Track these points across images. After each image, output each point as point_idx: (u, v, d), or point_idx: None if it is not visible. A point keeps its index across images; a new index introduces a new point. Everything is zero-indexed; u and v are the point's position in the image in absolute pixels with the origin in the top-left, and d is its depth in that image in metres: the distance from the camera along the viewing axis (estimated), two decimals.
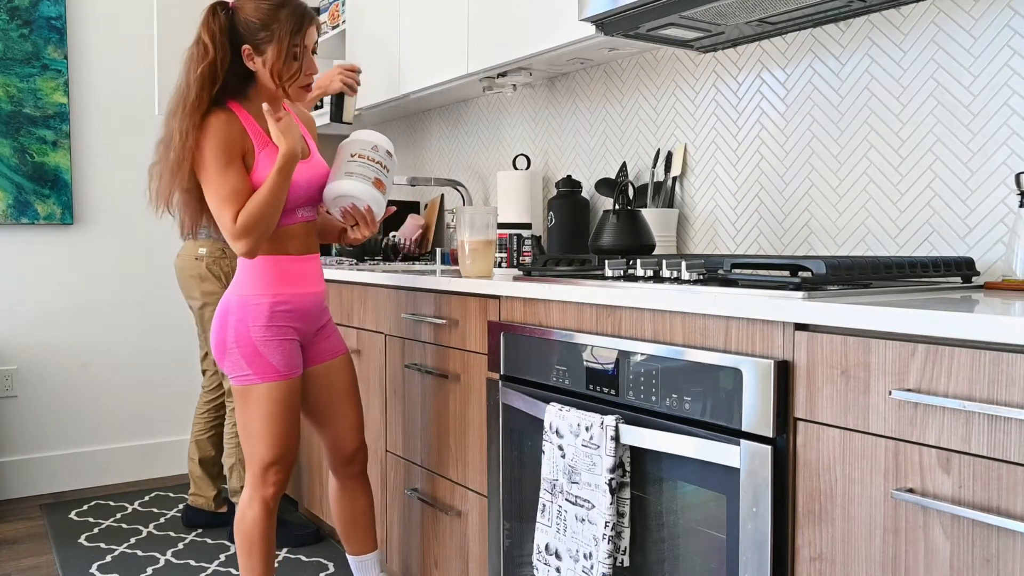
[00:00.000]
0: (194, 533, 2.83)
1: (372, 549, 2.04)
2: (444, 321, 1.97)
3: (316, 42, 1.79)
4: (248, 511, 1.83)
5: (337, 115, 2.65)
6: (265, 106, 1.66)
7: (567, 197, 2.35)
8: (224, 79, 1.70)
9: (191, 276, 2.69)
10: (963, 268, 1.47)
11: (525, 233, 2.39)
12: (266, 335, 1.75)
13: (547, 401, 1.58)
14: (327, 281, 2.60)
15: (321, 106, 3.16)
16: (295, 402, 1.81)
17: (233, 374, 1.77)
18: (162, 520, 2.97)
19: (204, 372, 2.91)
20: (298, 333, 1.82)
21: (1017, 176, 1.43)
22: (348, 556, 2.05)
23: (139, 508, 3.12)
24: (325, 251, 3.43)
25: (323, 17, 3.43)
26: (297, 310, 1.80)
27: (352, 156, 1.76)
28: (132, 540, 2.78)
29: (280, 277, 1.77)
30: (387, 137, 1.78)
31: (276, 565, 2.59)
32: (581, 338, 1.51)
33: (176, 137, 1.67)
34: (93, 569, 2.53)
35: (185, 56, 1.72)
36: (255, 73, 1.73)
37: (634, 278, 1.52)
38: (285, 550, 2.71)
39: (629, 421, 1.40)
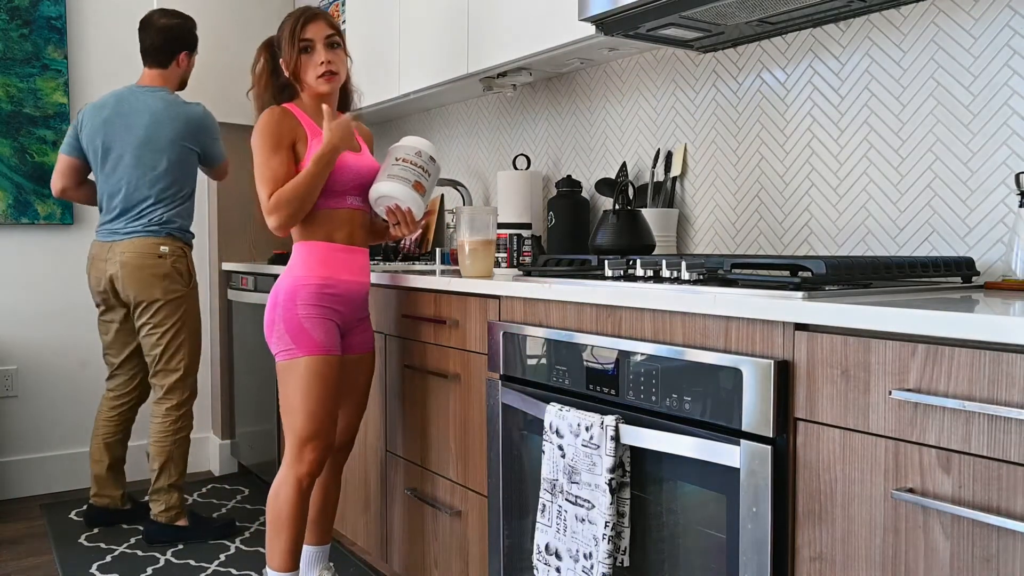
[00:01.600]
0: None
1: (329, 540, 2.16)
2: (444, 321, 1.97)
3: (332, 35, 1.94)
4: (281, 489, 1.91)
5: None
6: (325, 107, 1.85)
7: (567, 197, 2.35)
8: (270, 92, 1.98)
9: (153, 275, 2.66)
10: (963, 268, 1.47)
11: (525, 233, 2.39)
12: (311, 312, 1.88)
13: (547, 401, 1.58)
14: None
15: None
16: (333, 379, 1.91)
17: (278, 350, 1.89)
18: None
19: (115, 375, 2.87)
20: (340, 317, 1.94)
21: (1017, 176, 1.43)
22: (303, 546, 2.10)
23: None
24: None
25: None
26: (342, 295, 1.93)
27: (396, 160, 1.91)
28: (132, 540, 2.78)
29: (328, 262, 1.91)
30: (429, 142, 1.94)
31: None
32: (581, 338, 1.51)
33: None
34: (93, 569, 2.53)
35: None
36: (292, 80, 1.96)
37: (634, 278, 1.52)
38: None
39: (629, 421, 1.40)
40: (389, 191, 1.87)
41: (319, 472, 1.92)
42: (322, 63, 1.91)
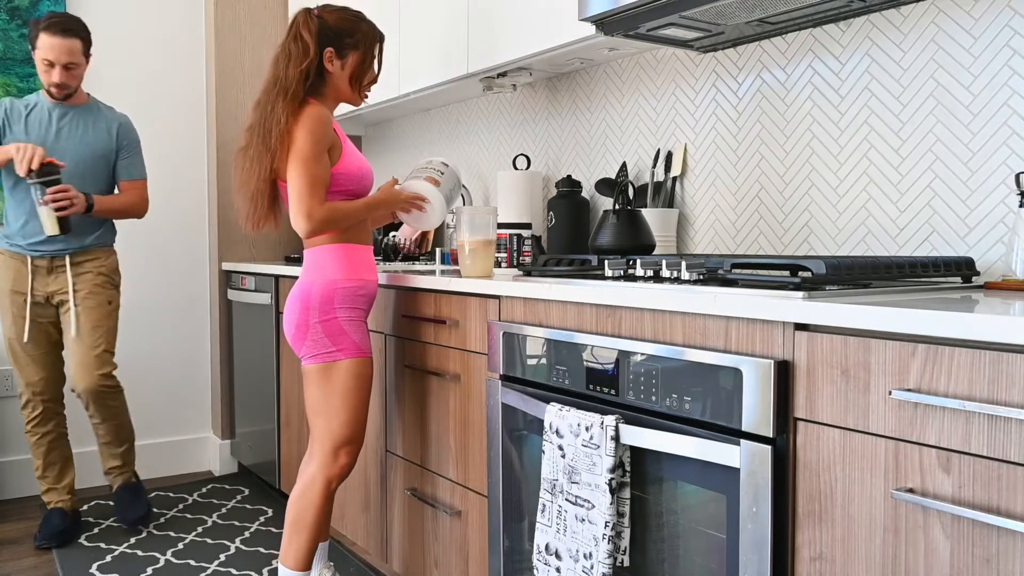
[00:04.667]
0: (193, 533, 2.83)
1: (328, 538, 2.17)
2: (444, 321, 1.97)
3: None
4: (309, 490, 1.92)
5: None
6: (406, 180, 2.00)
7: (567, 197, 2.35)
8: (320, 80, 1.91)
9: None
10: (963, 268, 1.47)
11: (525, 233, 2.39)
12: (351, 315, 1.91)
13: (547, 401, 1.58)
14: None
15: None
16: (370, 381, 1.95)
17: (314, 353, 1.89)
18: (162, 520, 2.97)
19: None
20: (366, 316, 1.97)
21: (1017, 176, 1.43)
22: None
23: None
24: None
25: None
26: (368, 295, 1.96)
27: (414, 171, 2.08)
28: (132, 540, 2.78)
29: (360, 264, 1.94)
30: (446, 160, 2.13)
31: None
32: (581, 338, 1.51)
33: (274, 123, 1.82)
34: (93, 569, 2.53)
35: (279, 51, 1.89)
36: (328, 73, 1.92)
37: (634, 278, 1.52)
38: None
39: (629, 421, 1.40)
40: (406, 186, 2.01)
41: (348, 475, 1.94)
42: (376, 79, 1.99)
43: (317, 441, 1.92)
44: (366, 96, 2.01)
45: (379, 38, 1.99)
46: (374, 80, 2.00)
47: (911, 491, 1.03)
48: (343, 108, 3.16)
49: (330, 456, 1.91)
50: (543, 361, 1.61)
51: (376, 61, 2.00)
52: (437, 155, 2.11)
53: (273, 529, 2.87)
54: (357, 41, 1.93)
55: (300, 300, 1.89)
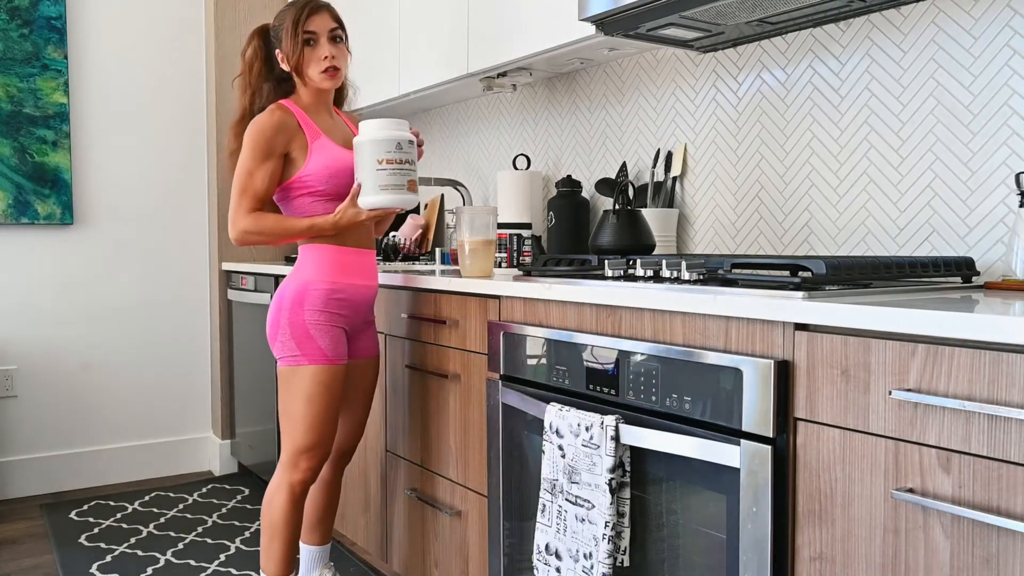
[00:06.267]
0: (193, 533, 2.83)
1: (330, 540, 2.16)
2: (444, 321, 1.97)
3: (335, 29, 1.88)
4: (275, 497, 1.90)
5: None
6: (355, 188, 1.77)
7: (567, 197, 2.35)
8: (269, 84, 1.93)
9: None
10: (963, 268, 1.47)
11: (525, 233, 2.39)
12: (319, 319, 1.85)
13: (547, 401, 1.58)
14: None
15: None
16: (337, 389, 1.88)
17: (282, 355, 1.87)
18: (162, 520, 2.97)
19: None
20: (347, 322, 1.92)
21: (1017, 176, 1.43)
22: (305, 546, 2.12)
23: (139, 508, 3.12)
24: None
25: None
26: (350, 300, 1.90)
27: (380, 164, 1.74)
28: (132, 540, 2.78)
29: (338, 267, 1.88)
30: (397, 121, 1.80)
31: None
32: (581, 338, 1.51)
33: (228, 150, 1.97)
34: (93, 569, 2.53)
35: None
36: (291, 72, 1.89)
37: (634, 278, 1.52)
38: None
39: (629, 421, 1.40)
40: (388, 203, 1.75)
41: (313, 480, 1.91)
42: (325, 58, 1.84)
43: (284, 445, 1.89)
44: (328, 75, 1.85)
45: (300, 14, 1.83)
46: (304, 57, 1.84)
47: (911, 491, 1.03)
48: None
49: (292, 461, 1.87)
50: (543, 361, 1.61)
51: (311, 37, 1.83)
52: (395, 128, 1.77)
53: None
54: (283, 28, 1.85)
55: (276, 299, 1.88)
